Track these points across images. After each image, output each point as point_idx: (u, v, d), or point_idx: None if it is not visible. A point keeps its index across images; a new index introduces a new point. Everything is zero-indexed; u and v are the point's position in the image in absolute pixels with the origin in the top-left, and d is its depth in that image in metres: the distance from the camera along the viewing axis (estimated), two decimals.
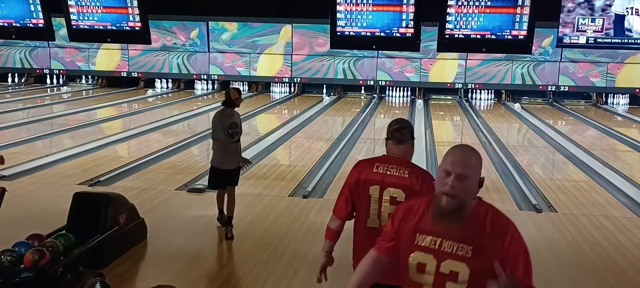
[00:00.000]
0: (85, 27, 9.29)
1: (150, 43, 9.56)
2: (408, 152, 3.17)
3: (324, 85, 19.82)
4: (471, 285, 2.16)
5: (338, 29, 8.04)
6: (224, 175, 6.08)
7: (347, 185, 3.23)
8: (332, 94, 19.69)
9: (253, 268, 5.19)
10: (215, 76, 20.13)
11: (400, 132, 3.15)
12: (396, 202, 3.01)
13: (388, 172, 3.10)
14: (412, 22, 7.80)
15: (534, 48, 8.68)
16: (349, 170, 3.32)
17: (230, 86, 6.57)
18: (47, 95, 19.08)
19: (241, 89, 6.30)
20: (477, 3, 7.71)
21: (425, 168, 3.23)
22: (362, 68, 19.30)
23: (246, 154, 10.08)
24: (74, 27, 9.31)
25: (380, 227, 3.01)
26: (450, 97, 19.62)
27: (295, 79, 19.71)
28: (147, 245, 5.72)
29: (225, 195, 6.20)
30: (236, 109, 6.17)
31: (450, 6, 7.77)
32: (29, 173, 8.46)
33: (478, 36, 7.83)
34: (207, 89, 20.74)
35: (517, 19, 7.70)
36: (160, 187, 7.87)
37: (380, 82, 19.36)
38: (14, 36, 9.84)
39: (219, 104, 6.25)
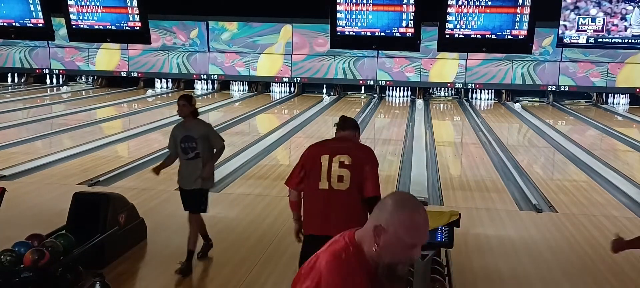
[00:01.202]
0: (85, 26, 9.28)
1: (150, 43, 9.54)
2: (350, 135, 3.90)
3: (324, 85, 19.82)
4: None
5: (338, 28, 8.03)
6: (182, 196, 5.38)
7: (301, 160, 3.91)
8: (332, 94, 19.69)
9: (253, 268, 5.19)
10: (215, 76, 20.13)
11: (343, 122, 3.96)
12: (344, 165, 3.69)
13: (335, 145, 3.84)
14: (412, 22, 7.80)
15: (534, 48, 8.66)
16: None
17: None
18: (47, 95, 19.08)
19: (191, 95, 5.33)
20: (477, 3, 7.70)
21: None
22: (362, 68, 19.29)
23: (246, 154, 10.16)
24: (73, 27, 9.30)
25: (329, 188, 3.71)
26: (450, 97, 19.64)
27: (295, 79, 19.70)
28: (147, 245, 5.72)
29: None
30: (200, 119, 5.31)
31: (450, 6, 7.77)
32: (29, 173, 8.46)
33: (478, 36, 7.82)
34: (207, 89, 20.73)
35: (517, 19, 7.69)
36: (160, 187, 7.86)
37: (380, 82, 19.36)
38: (13, 36, 9.82)
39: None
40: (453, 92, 19.64)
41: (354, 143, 3.88)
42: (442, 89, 19.69)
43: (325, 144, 3.93)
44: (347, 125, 3.95)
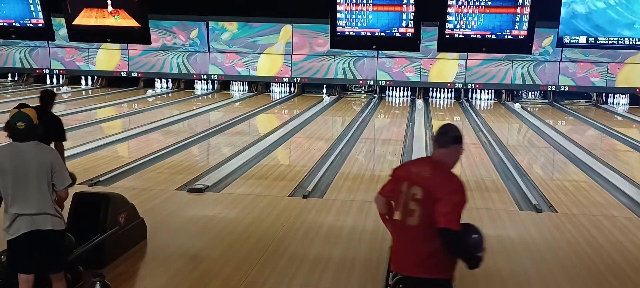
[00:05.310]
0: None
1: (150, 43, 9.54)
2: (445, 155, 3.20)
3: (324, 85, 19.84)
4: None
5: (338, 28, 8.04)
6: None
7: (391, 177, 3.39)
8: (332, 94, 19.69)
9: (253, 268, 5.19)
10: (215, 76, 20.14)
11: (444, 136, 3.24)
12: (415, 198, 3.12)
13: (415, 171, 3.22)
14: (412, 22, 7.80)
15: (534, 48, 8.66)
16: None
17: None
18: None
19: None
20: (477, 3, 7.70)
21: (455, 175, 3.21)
22: (362, 68, 19.30)
23: (246, 154, 10.18)
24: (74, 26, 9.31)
25: (403, 221, 3.16)
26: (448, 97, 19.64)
27: (295, 79, 19.71)
28: (147, 245, 5.72)
29: None
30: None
31: (450, 6, 7.77)
32: None
33: (478, 36, 7.82)
34: (207, 89, 20.75)
35: (517, 19, 7.70)
36: (160, 187, 7.86)
37: (380, 82, 19.37)
38: (14, 36, 9.82)
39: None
40: (453, 93, 19.59)
41: (434, 171, 3.16)
42: (443, 90, 19.61)
43: (412, 167, 3.32)
44: (445, 141, 3.22)
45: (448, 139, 3.21)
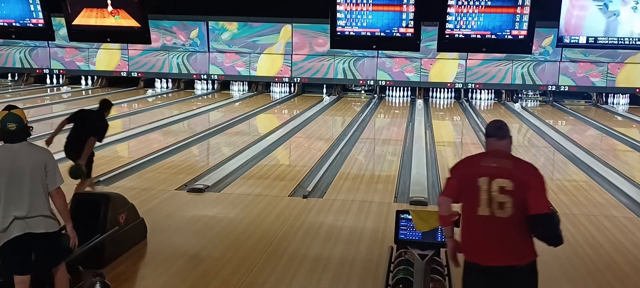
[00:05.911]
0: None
1: (150, 43, 9.53)
2: (508, 146, 3.39)
3: (324, 85, 19.84)
4: None
5: (338, 28, 8.03)
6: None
7: (455, 178, 3.42)
8: (332, 93, 19.69)
9: (253, 268, 5.19)
10: (215, 76, 20.14)
11: (502, 129, 3.41)
12: (505, 191, 3.20)
13: (494, 165, 3.30)
14: (412, 22, 7.79)
15: (534, 48, 8.66)
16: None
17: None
18: (47, 95, 19.08)
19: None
20: (477, 3, 7.69)
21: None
22: (362, 68, 19.31)
23: (246, 154, 10.18)
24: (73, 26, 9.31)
25: (491, 215, 3.23)
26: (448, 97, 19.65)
27: (295, 79, 19.72)
28: (147, 245, 5.72)
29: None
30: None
31: (450, 6, 7.76)
32: None
33: (478, 36, 7.81)
34: (207, 89, 20.75)
35: (518, 19, 7.69)
36: (160, 187, 7.87)
37: (380, 82, 19.37)
38: (13, 36, 9.82)
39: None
40: (453, 93, 19.58)
41: (515, 162, 3.32)
42: (443, 90, 19.60)
43: (483, 162, 3.35)
44: (505, 133, 3.40)
45: (506, 131, 3.40)
